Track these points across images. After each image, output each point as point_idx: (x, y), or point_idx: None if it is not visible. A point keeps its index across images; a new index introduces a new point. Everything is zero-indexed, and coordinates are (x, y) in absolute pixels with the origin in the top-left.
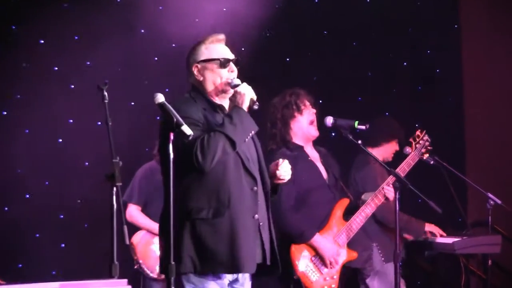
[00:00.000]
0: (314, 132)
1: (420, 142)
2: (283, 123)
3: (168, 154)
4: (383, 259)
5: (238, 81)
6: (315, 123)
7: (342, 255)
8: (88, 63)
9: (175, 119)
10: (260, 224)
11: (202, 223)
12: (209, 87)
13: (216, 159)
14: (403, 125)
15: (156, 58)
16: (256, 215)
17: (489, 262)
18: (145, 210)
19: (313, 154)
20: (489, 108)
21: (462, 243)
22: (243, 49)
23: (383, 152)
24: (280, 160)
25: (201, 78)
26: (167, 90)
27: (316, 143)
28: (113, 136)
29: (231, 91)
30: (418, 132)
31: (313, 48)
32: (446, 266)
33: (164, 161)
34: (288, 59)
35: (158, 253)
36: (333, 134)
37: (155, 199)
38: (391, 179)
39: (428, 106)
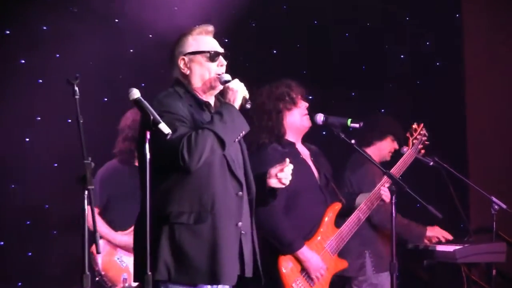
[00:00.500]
0: (307, 123)
1: (417, 137)
2: (277, 115)
3: (145, 154)
4: (373, 268)
5: (228, 77)
6: (307, 115)
7: (331, 266)
8: (58, 55)
9: (151, 117)
10: (242, 233)
11: (181, 228)
12: (196, 81)
13: (203, 159)
14: (400, 122)
15: (131, 50)
16: (240, 223)
17: (493, 271)
18: (105, 215)
19: (304, 152)
20: (494, 103)
21: (464, 251)
22: (226, 40)
23: (378, 151)
24: (288, 160)
25: (188, 72)
26: (143, 85)
27: (306, 142)
28: (85, 135)
29: (220, 87)
30: (415, 126)
31: (302, 39)
32: (447, 276)
33: (141, 162)
34: (274, 51)
35: (121, 264)
36: (323, 132)
37: (118, 203)
38: (386, 181)
39: (428, 101)
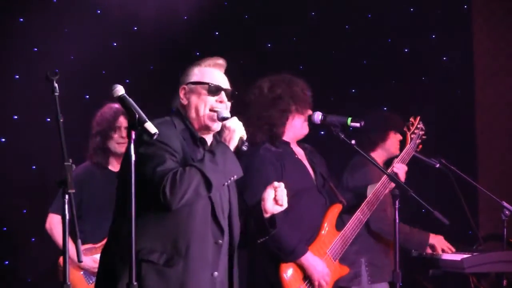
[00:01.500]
0: (306, 130)
1: (415, 131)
2: (282, 114)
3: (130, 156)
4: (369, 277)
5: (227, 113)
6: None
7: (333, 272)
8: (35, 49)
9: (137, 115)
10: (217, 282)
11: (149, 268)
12: (192, 113)
13: (186, 199)
14: (403, 120)
15: (115, 44)
16: (216, 273)
17: (504, 282)
18: (79, 226)
19: (299, 151)
20: (506, 101)
21: (473, 260)
22: (216, 33)
23: (385, 151)
24: (276, 183)
25: (186, 102)
26: (127, 81)
27: (301, 140)
28: (65, 135)
29: (217, 127)
30: (411, 119)
31: (299, 32)
32: (454, 287)
33: (124, 165)
34: (269, 45)
35: (88, 280)
36: (322, 132)
37: (89, 212)
38: (386, 180)
39: (433, 100)
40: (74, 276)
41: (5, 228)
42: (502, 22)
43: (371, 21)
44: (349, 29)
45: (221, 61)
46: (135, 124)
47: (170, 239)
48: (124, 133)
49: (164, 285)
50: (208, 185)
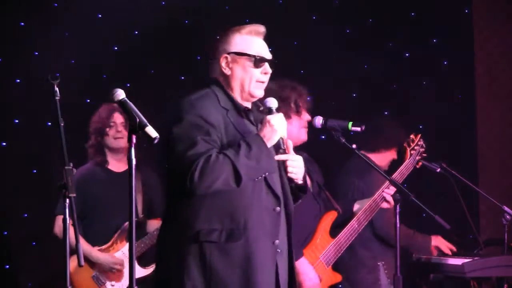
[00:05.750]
0: (304, 137)
1: (415, 148)
2: None
3: (131, 160)
4: (389, 280)
5: (274, 104)
6: (306, 128)
7: (326, 279)
8: (36, 53)
9: (137, 119)
10: (278, 251)
11: (212, 247)
12: (235, 85)
13: (213, 188)
14: (404, 126)
15: (115, 48)
16: (277, 241)
17: (505, 286)
18: (84, 228)
19: None
20: (505, 107)
21: (473, 265)
22: (217, 37)
23: (381, 159)
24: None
25: (229, 72)
26: (128, 85)
27: (300, 147)
28: (66, 139)
29: (261, 93)
30: (412, 136)
31: (300, 36)
32: None
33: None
34: (270, 49)
35: (98, 283)
36: (323, 137)
37: (93, 212)
38: (386, 187)
39: (434, 104)
40: (83, 279)
41: (5, 232)
42: (503, 27)
43: (372, 25)
44: (350, 33)
45: (262, 29)
46: (136, 128)
47: (227, 215)
48: (120, 127)
49: (230, 261)
50: (238, 179)
